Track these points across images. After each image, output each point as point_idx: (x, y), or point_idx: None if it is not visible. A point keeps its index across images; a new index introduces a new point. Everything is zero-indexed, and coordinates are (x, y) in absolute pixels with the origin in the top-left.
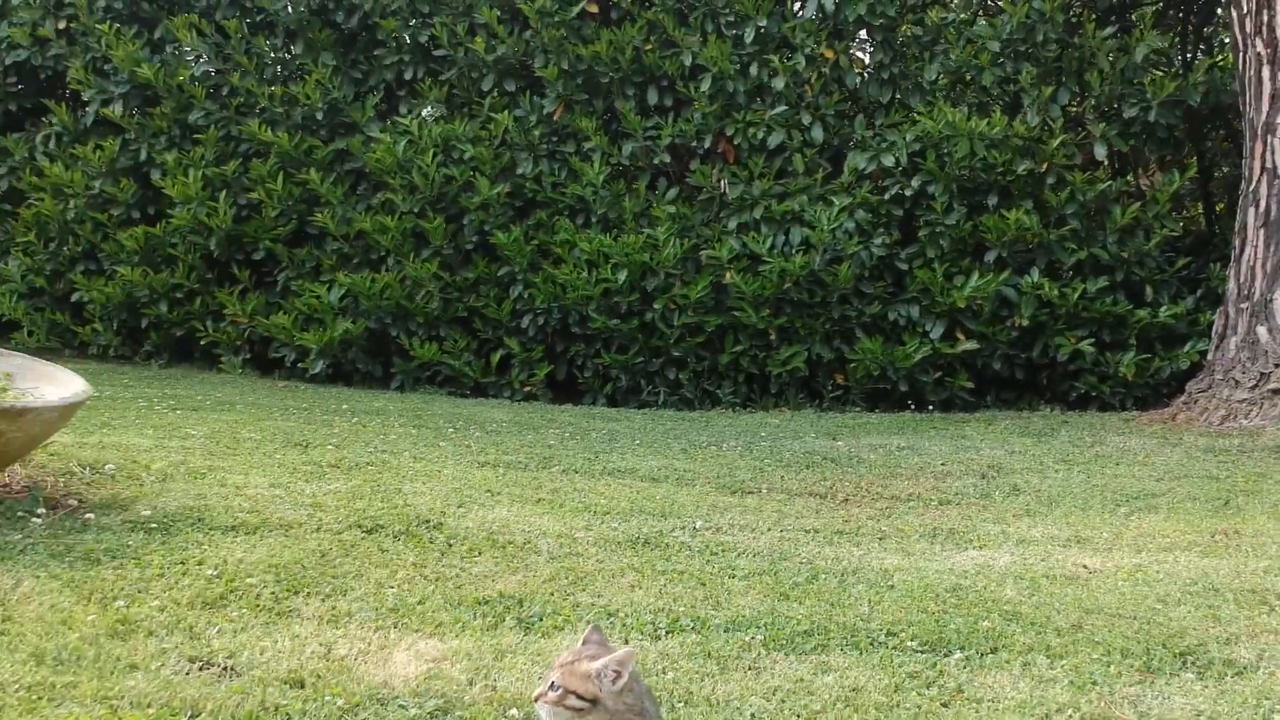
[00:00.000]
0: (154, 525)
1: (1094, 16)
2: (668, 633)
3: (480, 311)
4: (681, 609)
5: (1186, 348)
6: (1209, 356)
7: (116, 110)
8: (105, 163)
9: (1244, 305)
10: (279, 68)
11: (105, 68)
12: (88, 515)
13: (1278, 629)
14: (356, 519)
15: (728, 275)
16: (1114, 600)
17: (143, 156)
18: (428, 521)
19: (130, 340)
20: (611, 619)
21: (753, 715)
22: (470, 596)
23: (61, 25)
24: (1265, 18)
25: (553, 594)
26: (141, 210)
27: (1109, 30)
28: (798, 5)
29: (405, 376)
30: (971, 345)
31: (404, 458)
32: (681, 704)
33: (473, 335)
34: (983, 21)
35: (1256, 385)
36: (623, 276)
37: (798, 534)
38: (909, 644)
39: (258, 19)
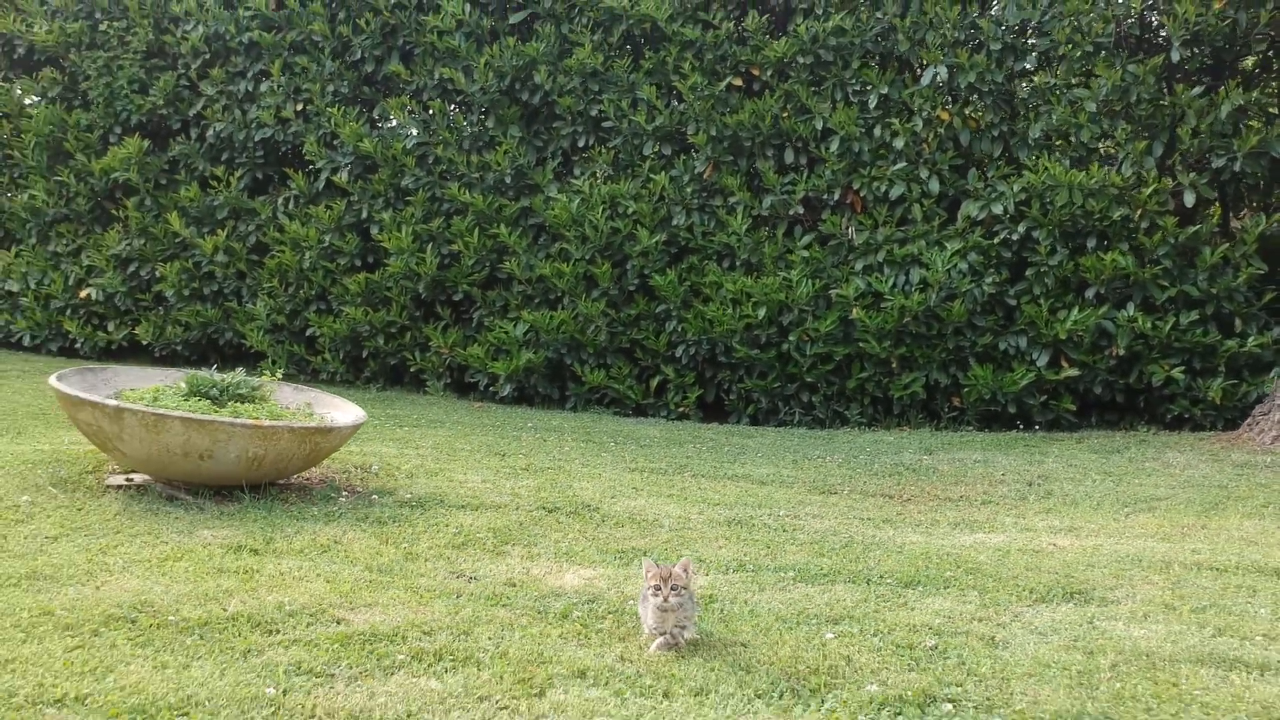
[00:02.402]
0: (414, 503)
1: (1184, 77)
2: (735, 570)
3: (641, 343)
4: (747, 559)
5: (1272, 374)
6: (1276, 383)
7: (343, 177)
8: (333, 220)
9: None
10: (474, 139)
11: (334, 142)
12: (372, 496)
13: (1159, 582)
14: (542, 503)
15: (854, 311)
16: (1053, 564)
17: (364, 215)
18: (589, 506)
19: (353, 367)
20: (702, 563)
21: (772, 610)
22: (613, 548)
23: (299, 108)
24: None
25: (666, 548)
26: (363, 260)
27: (1197, 90)
28: (918, 73)
29: (578, 398)
30: (1073, 372)
31: (574, 464)
32: (730, 603)
33: (634, 363)
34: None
35: None
36: (762, 313)
37: (853, 521)
38: (888, 581)
39: (457, 99)
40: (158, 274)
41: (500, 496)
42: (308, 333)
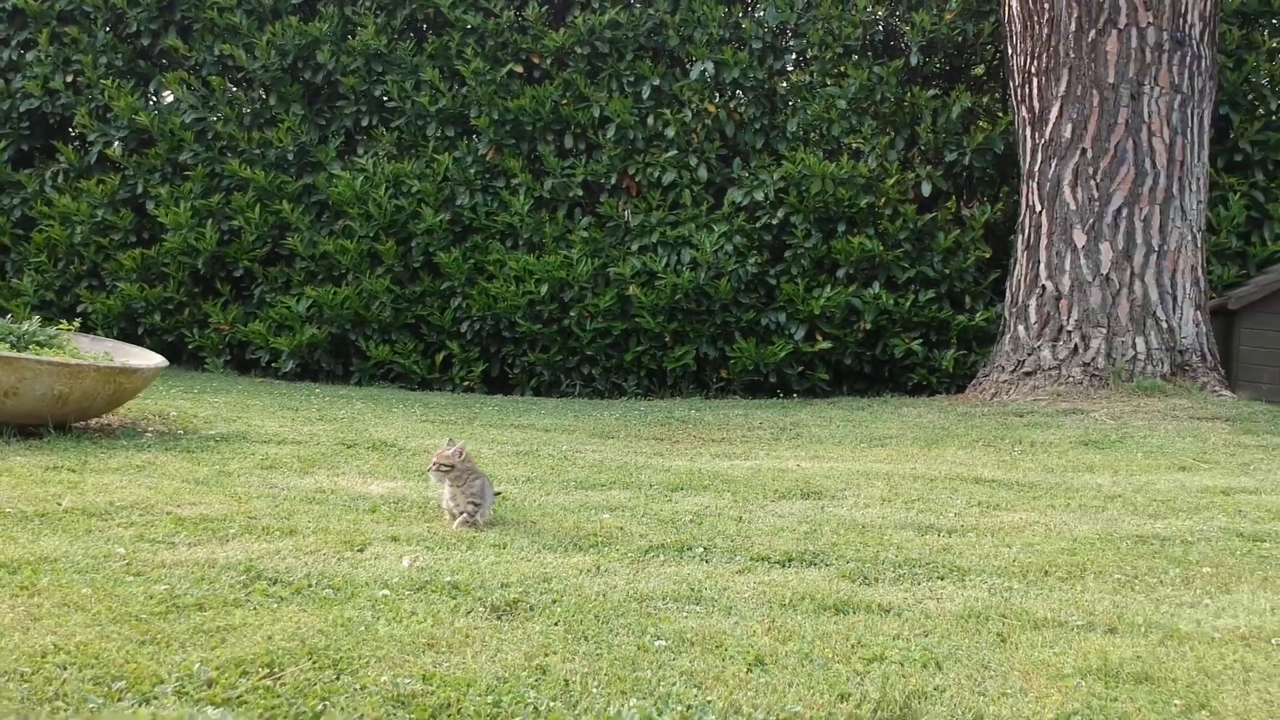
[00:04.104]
0: (219, 438)
1: (922, 80)
2: (524, 483)
3: (426, 319)
4: (535, 476)
5: (996, 345)
6: (993, 350)
7: (117, 150)
8: (107, 195)
9: (1013, 309)
10: (255, 116)
11: (107, 115)
12: (177, 434)
13: (880, 486)
14: (341, 440)
15: (631, 289)
16: (794, 477)
17: (139, 190)
18: (386, 443)
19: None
20: (495, 479)
21: (558, 504)
22: (413, 469)
23: (69, 79)
24: (1027, 90)
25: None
26: (138, 235)
27: (933, 92)
28: (687, 68)
29: (362, 373)
30: (826, 345)
31: (367, 417)
32: (521, 501)
33: (419, 339)
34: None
35: (1015, 370)
36: (544, 290)
37: (628, 454)
38: (657, 488)
39: (238, 75)
40: None
41: (300, 436)
42: (79, 309)
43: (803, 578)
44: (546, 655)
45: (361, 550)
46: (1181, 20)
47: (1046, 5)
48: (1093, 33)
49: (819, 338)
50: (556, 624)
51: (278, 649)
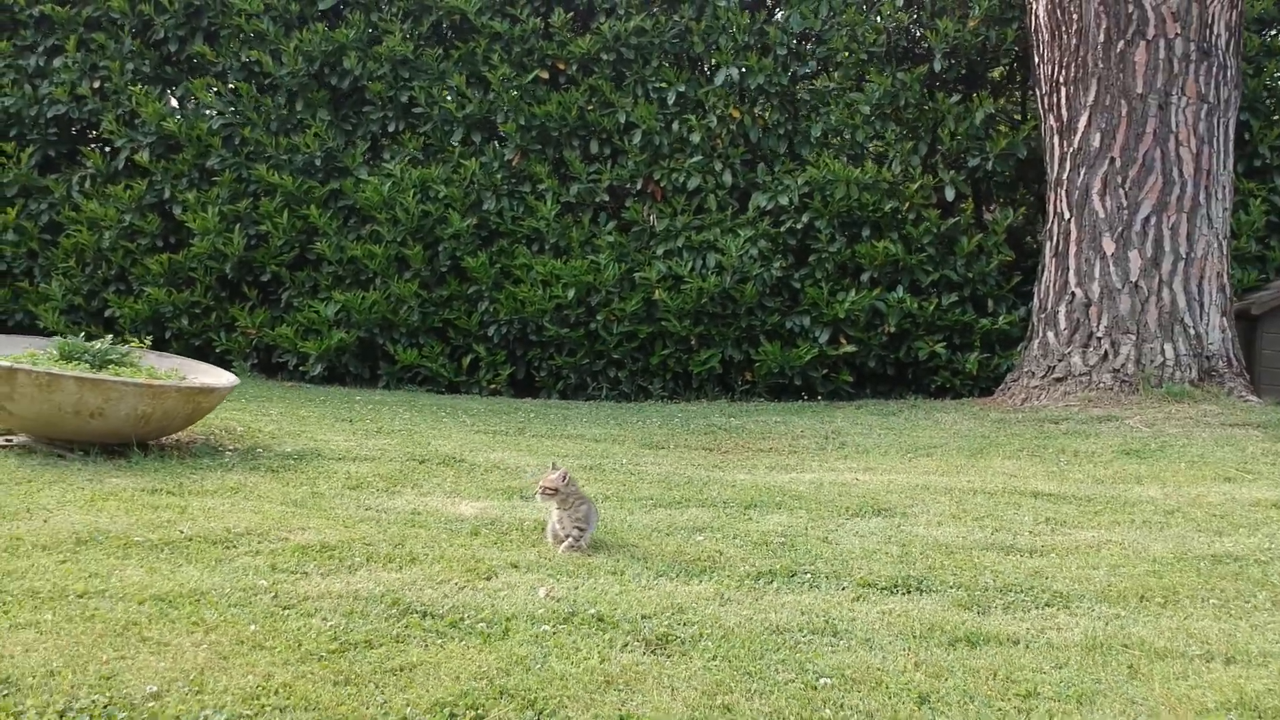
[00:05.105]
0: (294, 456)
1: (944, 86)
2: (602, 500)
3: (453, 323)
4: (610, 492)
5: (1019, 348)
6: (1021, 355)
7: (144, 156)
8: (134, 200)
9: (1042, 315)
10: (282, 122)
11: (135, 121)
12: (255, 451)
13: (945, 501)
14: (410, 455)
15: (656, 292)
16: (859, 491)
17: (166, 195)
18: (454, 458)
19: (155, 349)
20: None
21: (645, 524)
22: (492, 487)
23: (96, 85)
24: (1055, 99)
25: (534, 487)
26: (165, 240)
27: (955, 97)
28: (711, 74)
29: (390, 377)
30: (851, 348)
31: (421, 428)
32: (608, 521)
33: (447, 342)
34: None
35: (1045, 375)
36: (571, 294)
37: (686, 466)
38: (732, 505)
39: (264, 81)
40: None
41: (368, 451)
42: (106, 314)
43: (920, 606)
44: (723, 694)
45: (489, 579)
46: (1208, 31)
47: (1075, 15)
48: (1121, 43)
49: (843, 341)
50: (715, 659)
51: (470, 689)
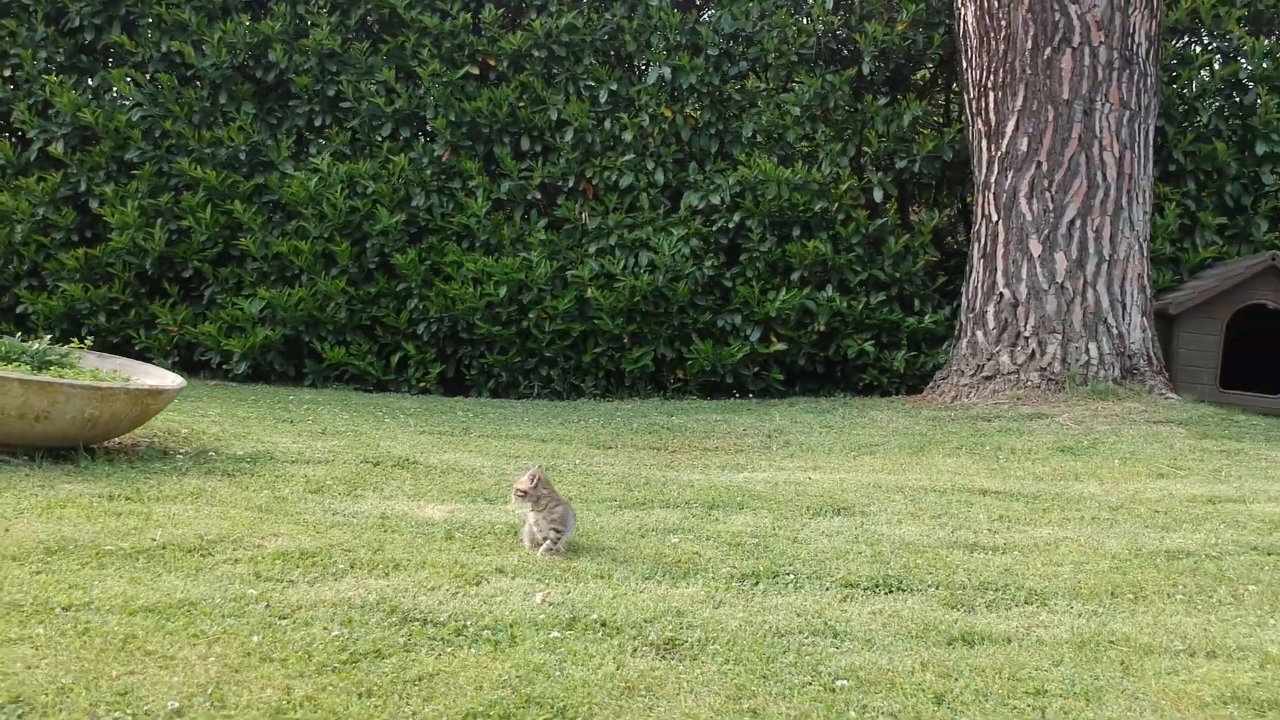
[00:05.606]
0: (247, 459)
1: (872, 88)
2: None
3: (382, 320)
4: (572, 494)
5: (944, 346)
6: (950, 354)
7: (59, 148)
8: (48, 192)
9: (970, 315)
10: (205, 114)
11: (48, 111)
12: (206, 454)
13: (899, 500)
14: (363, 458)
15: (588, 291)
16: (815, 490)
17: (82, 188)
18: (408, 460)
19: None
20: None
21: (616, 526)
22: (453, 490)
23: (6, 74)
24: (983, 103)
25: (497, 489)
26: (81, 234)
27: (883, 100)
28: (643, 73)
29: (316, 375)
30: (781, 346)
31: (364, 429)
32: (579, 523)
33: (375, 340)
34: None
35: (975, 374)
36: (502, 291)
37: (639, 466)
38: (695, 505)
39: (186, 73)
40: None
41: (320, 454)
42: (18, 310)
43: (908, 606)
44: (747, 698)
45: (478, 584)
46: (1130, 40)
47: (1004, 22)
48: (1048, 50)
49: (774, 339)
50: (727, 663)
51: (498, 699)
